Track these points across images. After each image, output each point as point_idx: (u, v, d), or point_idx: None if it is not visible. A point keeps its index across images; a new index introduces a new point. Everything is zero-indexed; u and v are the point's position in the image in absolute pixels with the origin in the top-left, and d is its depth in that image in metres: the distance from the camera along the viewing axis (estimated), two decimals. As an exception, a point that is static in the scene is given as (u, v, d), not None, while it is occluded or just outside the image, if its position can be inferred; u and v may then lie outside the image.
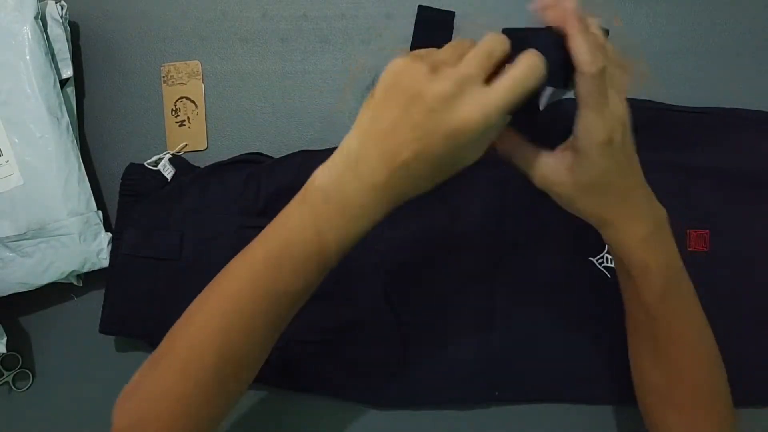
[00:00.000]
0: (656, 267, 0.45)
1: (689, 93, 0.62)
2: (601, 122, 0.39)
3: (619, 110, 0.40)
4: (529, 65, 0.38)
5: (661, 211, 0.46)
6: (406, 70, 0.39)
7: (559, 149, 0.43)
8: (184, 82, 0.65)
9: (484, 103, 0.38)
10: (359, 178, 0.40)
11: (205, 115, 0.65)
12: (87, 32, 0.66)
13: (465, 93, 0.38)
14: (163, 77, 0.65)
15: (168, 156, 0.62)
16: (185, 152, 0.64)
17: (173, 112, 0.65)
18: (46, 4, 0.61)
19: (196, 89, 0.65)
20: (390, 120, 0.39)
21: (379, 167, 0.39)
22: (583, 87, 0.39)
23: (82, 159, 0.60)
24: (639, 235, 0.44)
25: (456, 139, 0.38)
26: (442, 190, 0.59)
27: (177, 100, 0.65)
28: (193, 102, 0.65)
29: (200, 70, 0.65)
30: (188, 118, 0.65)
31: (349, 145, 0.41)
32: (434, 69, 0.39)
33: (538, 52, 0.38)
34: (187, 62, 0.65)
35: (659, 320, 0.46)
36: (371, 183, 0.40)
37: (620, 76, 0.41)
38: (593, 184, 0.42)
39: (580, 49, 0.38)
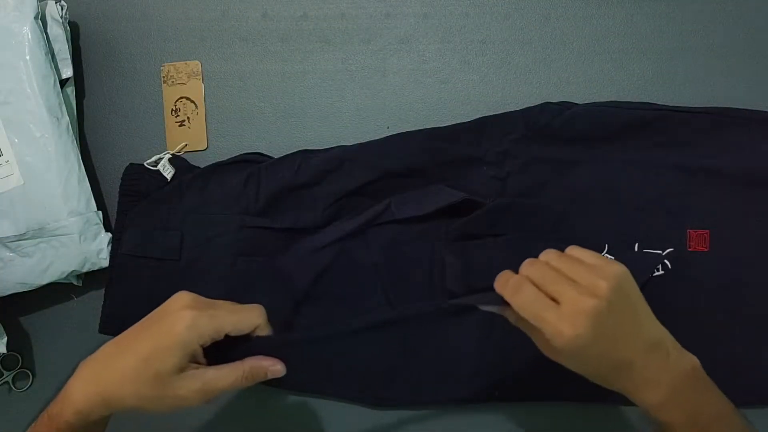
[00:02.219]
0: (682, 425, 0.41)
1: (689, 93, 0.62)
2: (549, 328, 0.40)
3: (581, 304, 0.39)
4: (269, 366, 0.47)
5: (686, 364, 0.41)
6: None
7: None
8: (184, 82, 0.65)
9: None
10: None
11: (205, 115, 0.65)
12: (87, 32, 0.66)
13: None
14: (163, 77, 0.65)
15: (168, 156, 0.62)
16: (185, 152, 0.64)
17: (173, 112, 0.65)
18: (46, 4, 0.61)
19: (196, 89, 0.65)
20: None
21: None
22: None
23: (82, 159, 0.60)
24: (653, 401, 0.41)
25: None
26: (443, 184, 0.59)
27: (177, 100, 0.65)
28: (193, 102, 0.65)
29: (200, 70, 0.65)
30: (188, 118, 0.65)
31: None
32: None
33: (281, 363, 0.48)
34: (187, 62, 0.65)
35: None
36: None
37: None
38: (582, 360, 0.42)
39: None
